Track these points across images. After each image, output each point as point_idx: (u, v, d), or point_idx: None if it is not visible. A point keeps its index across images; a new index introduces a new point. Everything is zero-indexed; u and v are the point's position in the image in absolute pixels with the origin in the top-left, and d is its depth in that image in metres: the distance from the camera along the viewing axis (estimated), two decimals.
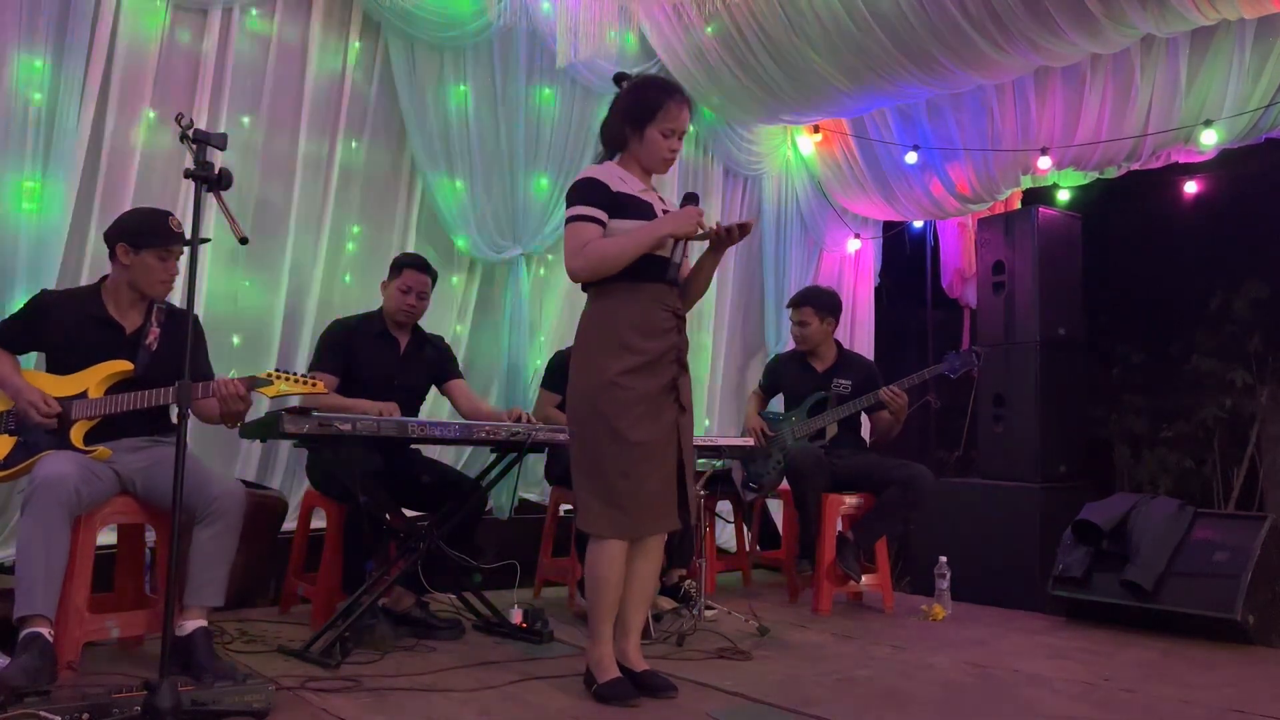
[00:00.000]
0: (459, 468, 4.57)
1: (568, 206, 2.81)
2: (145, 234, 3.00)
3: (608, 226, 2.76)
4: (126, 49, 3.87)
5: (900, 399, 4.25)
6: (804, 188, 6.27)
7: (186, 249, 2.80)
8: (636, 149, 2.88)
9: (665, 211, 2.87)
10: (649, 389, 2.75)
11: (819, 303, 4.56)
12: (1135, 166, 5.04)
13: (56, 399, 2.91)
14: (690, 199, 2.87)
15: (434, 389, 4.03)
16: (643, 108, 2.85)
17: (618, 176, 2.84)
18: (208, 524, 2.87)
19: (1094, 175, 5.28)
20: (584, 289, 2.89)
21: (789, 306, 4.67)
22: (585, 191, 2.78)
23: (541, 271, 5.21)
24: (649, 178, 2.95)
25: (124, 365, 2.98)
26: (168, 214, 3.07)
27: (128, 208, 3.67)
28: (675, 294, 2.87)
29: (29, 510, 2.69)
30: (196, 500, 2.84)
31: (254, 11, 4.26)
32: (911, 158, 5.61)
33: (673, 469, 2.80)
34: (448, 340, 4.21)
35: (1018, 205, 5.75)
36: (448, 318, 4.83)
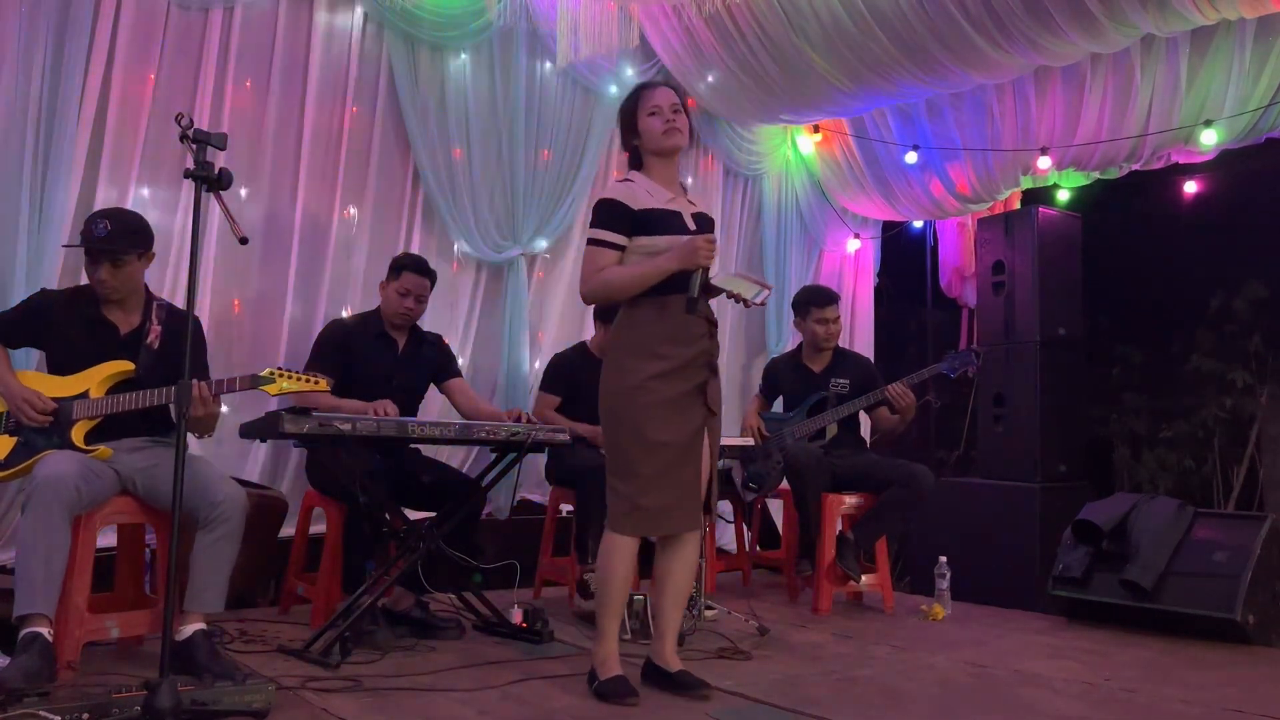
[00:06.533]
0: (465, 468, 4.58)
1: (590, 225, 2.87)
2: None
3: (631, 245, 2.83)
4: (128, 48, 3.87)
5: (908, 397, 4.20)
6: (804, 187, 6.27)
7: (191, 249, 2.78)
8: (646, 152, 2.94)
9: (695, 216, 2.91)
10: (676, 392, 2.78)
11: (839, 301, 4.59)
12: (1135, 167, 5.04)
13: (58, 399, 2.91)
14: (701, 225, 2.88)
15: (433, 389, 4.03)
16: (628, 113, 2.97)
17: (644, 191, 2.87)
18: (209, 529, 2.86)
19: (1094, 175, 5.27)
20: None
21: (818, 306, 4.52)
22: (605, 215, 2.84)
23: (541, 272, 5.21)
24: (675, 184, 2.97)
25: (125, 365, 2.98)
26: (93, 219, 2.99)
27: (127, 207, 3.68)
28: (707, 300, 2.86)
29: (30, 509, 2.69)
30: (198, 503, 2.83)
31: (256, 11, 4.26)
32: (911, 158, 5.61)
33: (697, 470, 2.82)
34: (447, 340, 4.21)
35: (1017, 205, 5.75)
36: (448, 317, 4.83)
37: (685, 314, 2.76)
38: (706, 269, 2.80)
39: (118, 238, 2.94)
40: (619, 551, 2.79)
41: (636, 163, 2.98)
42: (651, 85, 2.99)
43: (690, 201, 2.97)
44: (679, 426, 2.77)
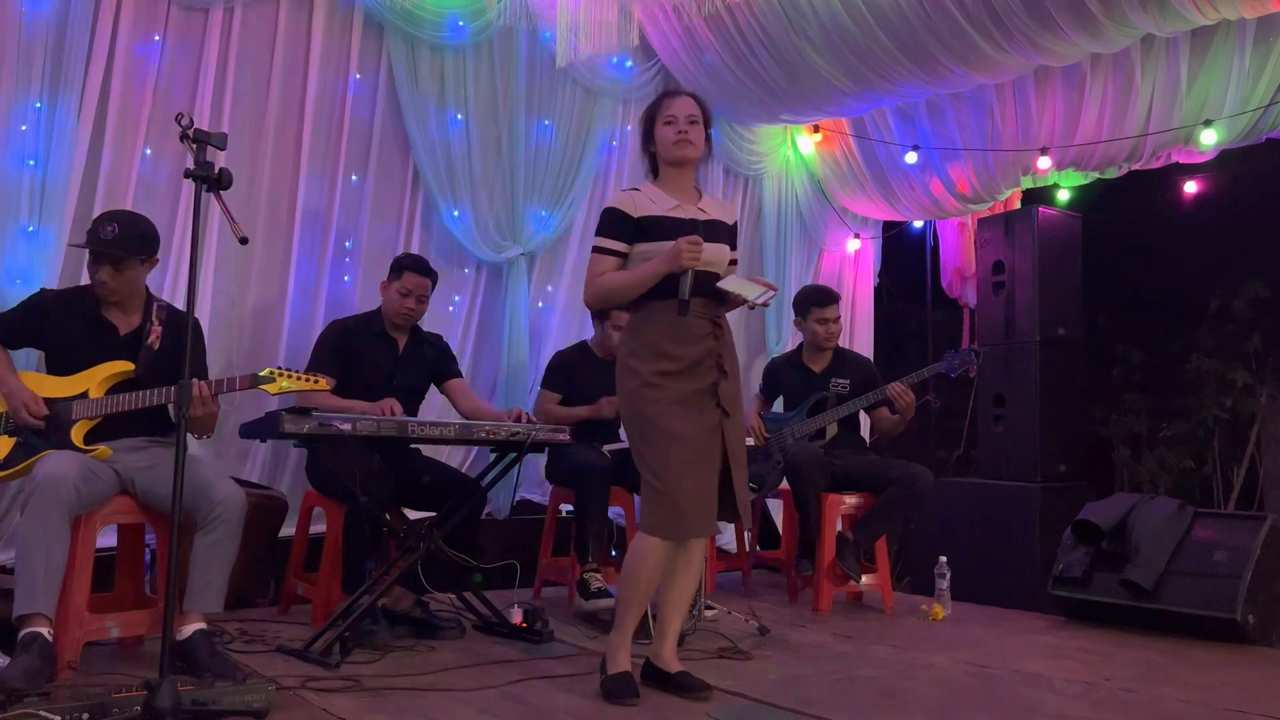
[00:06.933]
0: (465, 468, 4.57)
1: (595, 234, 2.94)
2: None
3: (633, 251, 2.88)
4: (128, 45, 3.86)
5: (908, 397, 4.20)
6: (804, 187, 6.26)
7: (190, 250, 2.77)
8: (661, 160, 2.96)
9: (704, 222, 2.90)
10: (685, 390, 2.79)
11: (839, 301, 4.60)
12: (1135, 167, 5.04)
13: (57, 399, 2.91)
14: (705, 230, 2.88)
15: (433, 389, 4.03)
16: (647, 120, 2.99)
17: (647, 199, 2.91)
18: (208, 530, 2.86)
19: (1094, 175, 5.27)
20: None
21: (818, 305, 4.53)
22: (605, 223, 2.91)
23: (541, 271, 5.20)
24: (687, 192, 2.97)
25: (125, 365, 2.98)
26: (100, 220, 2.99)
27: (127, 208, 3.67)
28: (712, 302, 2.87)
29: (29, 509, 2.69)
30: (198, 504, 2.83)
31: (256, 11, 4.25)
32: (911, 158, 5.60)
33: (715, 472, 2.81)
34: (448, 340, 4.21)
35: (1018, 205, 5.75)
36: (448, 317, 4.82)
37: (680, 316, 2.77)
38: (714, 274, 2.82)
39: (123, 242, 2.94)
40: (650, 554, 2.77)
41: (654, 170, 3.00)
42: (673, 94, 2.99)
43: (701, 209, 2.95)
44: (694, 423, 2.77)
